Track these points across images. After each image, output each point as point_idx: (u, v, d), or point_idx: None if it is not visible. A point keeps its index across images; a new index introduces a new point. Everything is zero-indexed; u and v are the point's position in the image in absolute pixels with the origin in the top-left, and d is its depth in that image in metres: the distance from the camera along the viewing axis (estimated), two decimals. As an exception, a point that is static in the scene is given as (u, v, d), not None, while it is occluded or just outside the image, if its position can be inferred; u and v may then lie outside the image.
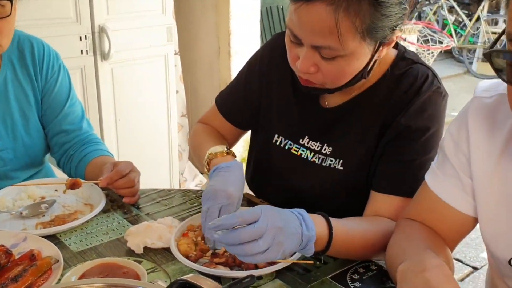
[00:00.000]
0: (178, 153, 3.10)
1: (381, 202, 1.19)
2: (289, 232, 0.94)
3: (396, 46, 1.25)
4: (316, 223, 1.00)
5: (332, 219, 1.05)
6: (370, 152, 1.22)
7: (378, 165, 1.21)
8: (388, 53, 1.21)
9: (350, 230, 1.08)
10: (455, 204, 1.00)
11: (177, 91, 3.19)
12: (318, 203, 1.23)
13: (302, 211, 1.01)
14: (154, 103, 2.87)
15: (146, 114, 2.84)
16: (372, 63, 1.14)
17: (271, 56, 1.36)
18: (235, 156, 1.27)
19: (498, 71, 0.76)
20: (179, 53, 3.18)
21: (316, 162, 1.27)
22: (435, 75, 1.20)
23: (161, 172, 2.98)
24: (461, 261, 2.89)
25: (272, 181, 1.38)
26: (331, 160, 1.25)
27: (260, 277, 1.05)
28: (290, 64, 1.16)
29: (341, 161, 1.24)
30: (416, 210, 1.07)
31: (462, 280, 2.71)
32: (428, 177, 1.05)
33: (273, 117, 1.35)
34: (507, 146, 0.91)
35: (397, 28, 1.09)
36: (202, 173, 1.37)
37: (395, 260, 0.95)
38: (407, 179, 1.16)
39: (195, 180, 3.55)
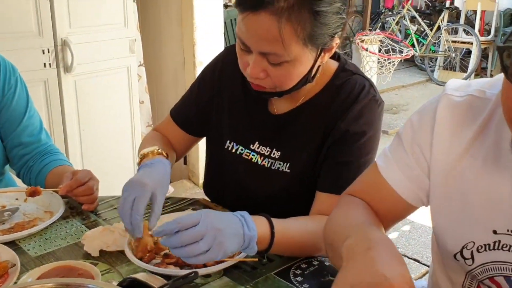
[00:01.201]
0: (142, 163, 3.15)
1: (323, 201, 1.28)
2: (230, 233, 1.02)
3: (338, 58, 1.36)
4: (258, 224, 1.09)
5: (274, 220, 1.13)
6: (314, 155, 1.31)
7: (321, 167, 1.31)
8: (330, 65, 1.33)
9: (292, 229, 1.17)
10: (399, 190, 1.03)
11: (142, 102, 3.25)
12: (271, 205, 1.31)
13: (244, 213, 1.09)
14: (117, 113, 2.92)
15: (110, 124, 2.89)
16: (315, 68, 1.23)
17: (223, 67, 1.45)
18: (166, 156, 1.34)
19: (505, 68, 0.76)
20: (143, 64, 3.25)
21: (266, 165, 1.36)
22: (371, 85, 1.31)
23: (125, 181, 3.02)
24: (418, 261, 3.01)
25: (226, 185, 1.46)
26: (280, 164, 1.34)
27: (208, 275, 1.12)
28: (242, 70, 1.25)
29: (288, 164, 1.33)
30: (361, 187, 1.12)
31: (418, 279, 2.82)
32: (379, 160, 1.08)
33: (225, 124, 1.43)
34: (472, 146, 0.93)
35: (336, 36, 1.20)
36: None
37: (336, 235, 0.97)
38: (346, 179, 1.25)
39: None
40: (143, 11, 3.57)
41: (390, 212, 1.08)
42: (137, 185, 1.18)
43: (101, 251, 1.20)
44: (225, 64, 1.45)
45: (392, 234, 3.35)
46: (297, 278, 1.13)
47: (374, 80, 5.56)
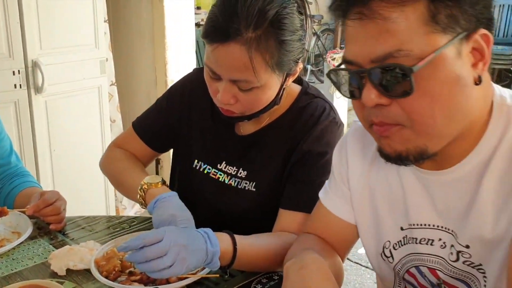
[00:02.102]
0: (114, 182, 3.17)
1: (286, 218, 1.33)
2: (193, 248, 1.07)
3: (301, 83, 1.43)
4: (221, 240, 1.13)
5: (237, 236, 1.18)
6: (279, 174, 1.37)
7: (285, 186, 1.36)
8: (293, 89, 1.41)
9: (254, 245, 1.22)
10: (341, 215, 1.14)
11: (114, 121, 3.28)
12: (239, 223, 1.35)
13: (208, 230, 1.14)
14: (88, 133, 2.95)
15: (81, 144, 2.90)
16: (282, 91, 1.30)
17: (192, 88, 1.50)
18: (168, 186, 1.38)
19: (340, 89, 0.90)
20: (115, 84, 3.28)
21: (233, 185, 1.41)
22: (331, 108, 1.39)
23: (97, 201, 3.04)
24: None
25: (195, 203, 1.49)
26: (246, 183, 1.39)
27: (172, 291, 1.16)
28: (212, 97, 1.30)
29: (254, 183, 1.38)
30: (312, 224, 1.21)
31: None
32: (321, 193, 1.19)
33: (193, 144, 1.48)
34: (373, 163, 1.07)
35: (299, 61, 1.27)
36: (128, 198, 1.44)
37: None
38: (307, 197, 1.31)
39: (134, 208, 3.61)
40: (115, 30, 3.61)
41: (340, 238, 1.17)
42: (182, 219, 1.21)
43: (68, 270, 1.24)
44: (194, 86, 1.50)
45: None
46: (257, 292, 1.17)
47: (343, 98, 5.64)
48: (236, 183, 1.40)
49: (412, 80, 0.78)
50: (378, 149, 0.92)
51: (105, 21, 3.03)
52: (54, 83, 2.68)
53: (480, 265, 0.92)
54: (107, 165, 1.56)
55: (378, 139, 0.90)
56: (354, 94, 0.87)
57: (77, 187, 2.82)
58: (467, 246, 0.92)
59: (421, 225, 0.99)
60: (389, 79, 0.79)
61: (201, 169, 1.46)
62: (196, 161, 1.47)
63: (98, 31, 2.88)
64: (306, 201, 1.31)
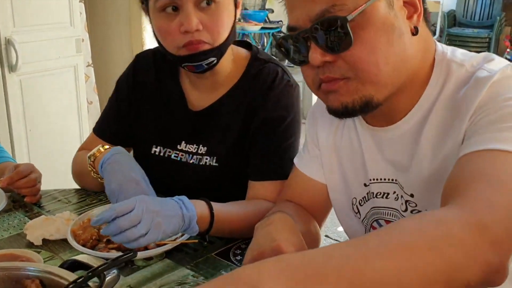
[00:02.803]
0: (91, 162, 3.14)
1: (257, 189, 1.33)
2: (167, 214, 1.06)
3: (250, 47, 1.43)
4: (196, 205, 1.13)
5: (213, 202, 1.18)
6: (239, 146, 1.36)
7: (249, 157, 1.35)
8: (243, 55, 1.40)
9: (231, 211, 1.22)
10: (317, 177, 1.16)
11: (91, 102, 3.24)
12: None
13: (182, 197, 1.13)
14: (65, 113, 2.91)
15: (57, 124, 2.86)
16: (234, 24, 1.30)
17: (135, 75, 1.48)
18: (108, 146, 1.36)
19: (290, 58, 0.95)
20: (92, 65, 3.23)
21: (195, 163, 1.39)
22: (284, 71, 1.38)
23: (72, 182, 3.00)
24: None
25: (159, 188, 1.46)
26: (207, 159, 1.38)
27: (150, 258, 1.15)
28: (175, 42, 1.25)
29: (215, 158, 1.37)
30: (288, 190, 1.22)
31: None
32: (296, 159, 1.22)
33: (148, 130, 1.46)
34: (339, 124, 1.11)
35: None
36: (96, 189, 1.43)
37: None
38: (275, 164, 1.31)
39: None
40: (91, 11, 3.56)
41: (319, 201, 1.19)
42: (130, 185, 1.21)
43: (44, 240, 1.22)
44: (137, 71, 1.48)
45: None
46: (236, 257, 1.17)
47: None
48: (197, 161, 1.38)
49: (349, 31, 0.83)
50: (327, 108, 0.95)
51: (80, 1, 2.98)
52: (28, 61, 2.64)
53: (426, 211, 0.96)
54: (73, 168, 1.54)
55: (325, 98, 0.94)
56: (302, 60, 0.92)
57: (54, 168, 2.77)
58: (412, 195, 0.98)
59: (377, 179, 1.04)
60: (329, 35, 0.84)
61: (161, 154, 1.43)
62: (154, 146, 1.44)
63: (73, 8, 2.84)
64: (274, 169, 1.32)
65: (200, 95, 1.39)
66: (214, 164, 1.37)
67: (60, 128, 2.88)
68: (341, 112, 0.92)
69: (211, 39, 1.25)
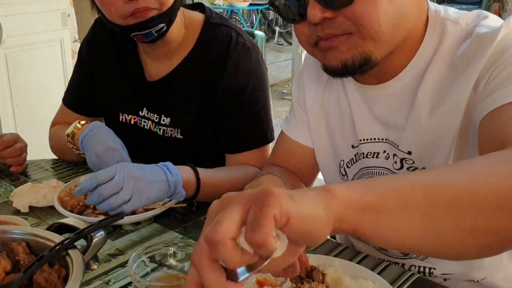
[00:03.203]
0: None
1: (236, 161, 1.32)
2: (150, 180, 1.05)
3: (203, 10, 1.37)
4: (182, 171, 1.12)
5: (199, 168, 1.17)
6: (202, 117, 1.33)
7: (220, 130, 1.32)
8: (197, 20, 1.34)
9: (217, 175, 1.21)
10: (304, 141, 1.16)
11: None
12: None
13: (167, 163, 1.12)
14: (52, 87, 2.87)
15: (44, 98, 2.83)
16: None
17: (94, 41, 1.45)
18: (85, 122, 1.34)
19: (283, 16, 0.92)
20: (79, 41, 3.18)
21: (159, 133, 1.37)
22: (238, 33, 1.32)
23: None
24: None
25: (131, 157, 1.44)
26: (172, 130, 1.35)
27: (138, 223, 1.14)
28: (120, 11, 1.18)
29: (179, 130, 1.34)
30: (275, 155, 1.22)
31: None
32: (283, 124, 1.20)
33: (112, 98, 1.43)
34: (326, 86, 1.10)
35: None
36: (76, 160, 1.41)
37: None
38: (248, 134, 1.30)
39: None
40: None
41: (306, 165, 1.19)
42: (109, 155, 1.19)
43: (31, 207, 1.21)
44: (96, 37, 1.45)
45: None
46: (225, 222, 1.16)
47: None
48: (162, 132, 1.36)
49: None
50: (323, 67, 0.93)
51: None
52: (13, 35, 2.60)
53: (424, 168, 0.96)
54: (51, 144, 1.53)
55: (323, 56, 0.91)
56: (297, 18, 0.90)
57: (42, 143, 2.74)
58: (409, 153, 0.97)
59: (367, 140, 1.03)
60: None
61: (126, 121, 1.42)
62: (120, 114, 1.42)
63: (57, -20, 2.79)
64: (248, 139, 1.30)
65: (155, 64, 1.36)
66: (179, 136, 1.34)
67: (48, 103, 2.84)
68: (340, 71, 0.90)
69: (158, 4, 1.19)
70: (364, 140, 1.04)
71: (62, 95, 2.96)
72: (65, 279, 0.83)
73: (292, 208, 0.47)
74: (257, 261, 0.49)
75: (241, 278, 0.49)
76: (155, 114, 1.37)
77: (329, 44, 0.88)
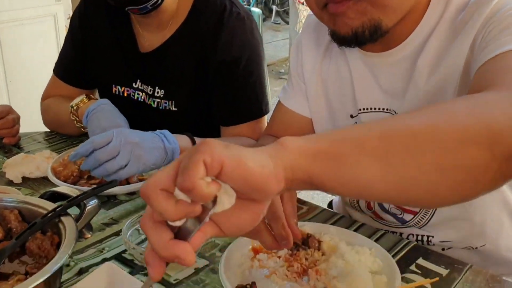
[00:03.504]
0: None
1: (232, 134, 1.30)
2: (147, 146, 1.03)
3: None
4: (179, 139, 1.11)
5: (196, 137, 1.15)
6: (197, 89, 1.30)
7: (214, 103, 1.30)
8: None
9: None
10: (301, 111, 1.13)
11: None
12: None
13: (164, 130, 1.11)
14: (46, 64, 2.82)
15: (38, 74, 2.79)
16: None
17: (86, 11, 1.42)
18: (97, 99, 1.32)
19: None
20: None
21: (153, 105, 1.35)
22: (232, 2, 1.29)
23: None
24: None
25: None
26: (166, 103, 1.33)
27: (133, 193, 1.13)
28: None
29: (173, 102, 1.32)
30: (273, 125, 1.20)
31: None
32: (280, 94, 1.18)
33: (105, 69, 1.41)
34: (325, 55, 1.07)
35: None
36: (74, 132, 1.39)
37: None
38: (244, 106, 1.28)
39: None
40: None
41: (303, 135, 1.14)
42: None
43: (24, 178, 1.19)
44: (88, 7, 1.42)
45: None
46: (220, 192, 1.15)
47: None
48: (156, 104, 1.34)
49: None
50: (332, 34, 0.91)
51: None
52: (5, 9, 2.55)
53: None
54: (44, 117, 1.51)
55: (332, 21, 0.89)
56: None
57: (36, 119, 2.72)
58: None
59: (367, 109, 1.01)
60: None
61: (120, 93, 1.40)
62: (113, 85, 1.40)
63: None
64: (243, 112, 1.28)
65: (149, 35, 1.33)
66: (173, 108, 1.32)
67: (42, 79, 2.80)
68: (349, 39, 0.87)
69: None
70: (364, 109, 1.02)
71: (56, 71, 2.92)
72: (58, 246, 0.82)
73: (225, 154, 0.45)
74: (202, 212, 0.47)
75: (191, 234, 0.47)
76: (149, 86, 1.35)
77: (338, 8, 0.85)
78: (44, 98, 1.52)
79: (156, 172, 1.06)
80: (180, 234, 0.48)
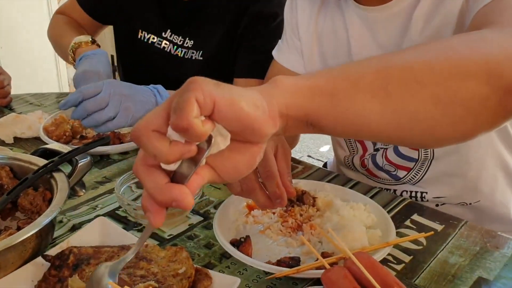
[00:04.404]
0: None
1: (242, 86, 1.28)
2: (138, 99, 1.02)
3: None
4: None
5: None
6: (227, 39, 1.30)
7: (237, 53, 1.30)
8: None
9: None
10: (296, 69, 1.11)
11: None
12: None
13: (158, 86, 1.09)
14: (38, 28, 2.78)
15: (30, 40, 2.75)
16: None
17: None
18: (99, 46, 1.31)
19: None
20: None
21: (179, 55, 1.34)
22: None
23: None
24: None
25: (141, 76, 1.43)
26: (193, 52, 1.32)
27: (126, 153, 1.12)
28: None
29: (201, 52, 1.32)
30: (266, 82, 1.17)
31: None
32: (274, 51, 1.16)
33: (135, 13, 1.39)
34: (320, 10, 1.05)
35: None
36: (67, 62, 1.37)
37: None
38: (261, 62, 1.26)
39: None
40: None
41: None
42: (92, 76, 1.14)
43: (16, 138, 1.18)
44: None
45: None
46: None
47: None
48: (182, 53, 1.34)
49: None
50: None
51: None
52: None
53: None
54: (50, 31, 1.48)
55: None
56: None
57: (30, 83, 2.70)
58: None
59: None
60: None
61: (145, 40, 1.38)
62: (140, 31, 1.39)
63: None
64: (260, 68, 1.26)
65: None
66: (199, 58, 1.31)
67: (34, 44, 2.78)
68: None
69: None
70: None
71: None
72: (50, 202, 0.81)
73: (217, 92, 0.43)
74: (197, 154, 0.45)
75: (188, 177, 0.45)
76: (180, 37, 1.34)
77: None
78: (59, 12, 1.51)
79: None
80: (175, 178, 0.46)
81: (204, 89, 0.43)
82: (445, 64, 0.50)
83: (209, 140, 0.45)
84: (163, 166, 0.45)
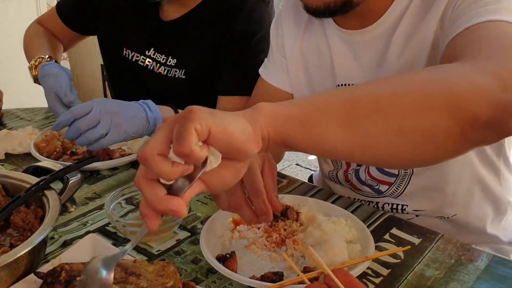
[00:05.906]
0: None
1: (225, 104, 1.32)
2: (127, 115, 1.06)
3: None
4: (163, 110, 1.13)
5: (180, 110, 1.18)
6: (209, 58, 1.33)
7: (220, 72, 1.33)
8: None
9: None
10: (282, 86, 1.15)
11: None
12: None
13: (147, 101, 1.12)
14: (24, 19, 2.78)
15: (20, 49, 2.75)
16: None
17: None
18: (58, 62, 1.34)
19: None
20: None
21: (163, 73, 1.37)
22: None
23: (36, 94, 2.94)
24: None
25: (127, 89, 1.47)
26: (176, 71, 1.36)
27: (116, 168, 1.15)
28: None
29: (183, 70, 1.35)
30: (254, 100, 1.21)
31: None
32: (261, 69, 1.20)
33: (121, 32, 1.43)
34: (305, 31, 1.09)
35: None
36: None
37: None
38: (245, 80, 1.30)
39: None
40: None
41: None
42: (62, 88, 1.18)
43: (7, 154, 1.20)
44: None
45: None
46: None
47: None
48: (166, 72, 1.37)
49: None
50: (305, 7, 0.93)
51: None
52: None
53: None
54: (24, 40, 1.52)
55: None
56: None
57: (18, 90, 2.68)
58: None
59: (345, 84, 1.03)
60: None
61: (129, 57, 1.42)
62: (124, 49, 1.43)
63: None
64: (244, 85, 1.30)
65: (172, 5, 1.35)
66: (181, 76, 1.35)
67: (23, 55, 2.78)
68: (322, 11, 0.90)
69: None
70: (342, 85, 1.04)
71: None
72: (42, 219, 0.83)
73: (212, 121, 0.50)
74: (194, 171, 0.52)
75: (183, 191, 0.52)
76: (162, 55, 1.37)
77: None
78: (38, 22, 1.55)
79: (145, 140, 1.08)
80: (171, 191, 0.53)
81: (201, 119, 0.50)
82: (409, 97, 0.55)
83: (204, 160, 0.52)
84: (162, 181, 0.53)
